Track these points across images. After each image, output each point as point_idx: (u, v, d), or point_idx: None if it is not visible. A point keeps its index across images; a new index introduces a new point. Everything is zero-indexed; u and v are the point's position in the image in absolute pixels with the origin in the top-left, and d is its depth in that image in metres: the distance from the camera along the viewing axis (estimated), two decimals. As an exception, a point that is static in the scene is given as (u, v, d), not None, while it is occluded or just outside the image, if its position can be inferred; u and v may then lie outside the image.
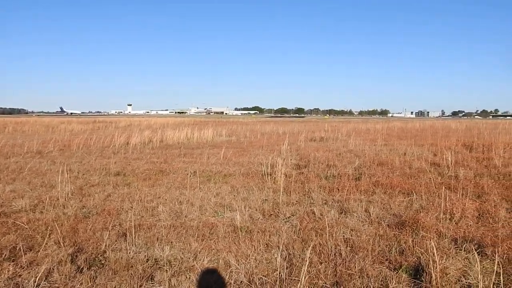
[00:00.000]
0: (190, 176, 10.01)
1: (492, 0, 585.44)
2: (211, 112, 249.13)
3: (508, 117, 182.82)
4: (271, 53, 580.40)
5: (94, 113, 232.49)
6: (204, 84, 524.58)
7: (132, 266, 4.70)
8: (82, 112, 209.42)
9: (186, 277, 4.44)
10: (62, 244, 5.27)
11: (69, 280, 4.39)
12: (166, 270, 4.58)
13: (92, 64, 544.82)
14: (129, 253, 5.07)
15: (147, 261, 4.87)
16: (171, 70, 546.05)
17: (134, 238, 5.53)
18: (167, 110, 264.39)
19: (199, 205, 7.39)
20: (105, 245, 5.29)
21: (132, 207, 7.29)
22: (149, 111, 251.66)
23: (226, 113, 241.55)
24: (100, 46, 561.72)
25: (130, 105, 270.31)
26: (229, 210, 7.10)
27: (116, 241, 5.54)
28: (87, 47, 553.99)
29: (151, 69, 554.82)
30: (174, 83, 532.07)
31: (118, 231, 5.96)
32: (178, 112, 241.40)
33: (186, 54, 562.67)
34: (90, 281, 4.35)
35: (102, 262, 4.85)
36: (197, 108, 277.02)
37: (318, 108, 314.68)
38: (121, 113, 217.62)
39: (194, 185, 9.13)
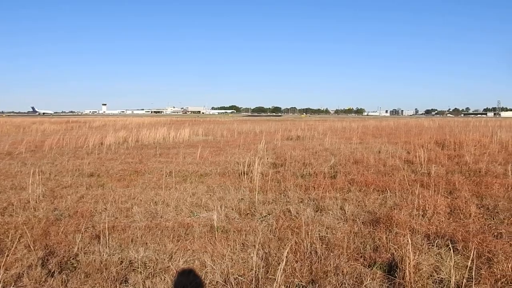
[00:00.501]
0: (166, 176, 9.91)
1: None
2: (188, 112, 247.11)
3: (478, 116, 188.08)
4: (248, 52, 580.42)
5: (67, 113, 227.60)
6: (180, 84, 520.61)
7: (105, 269, 4.61)
8: (55, 112, 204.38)
9: (161, 279, 4.39)
10: (32, 247, 5.13)
11: (39, 284, 4.28)
12: (141, 272, 4.52)
13: (65, 63, 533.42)
14: (103, 255, 4.98)
15: (121, 263, 4.79)
16: (147, 69, 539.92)
17: (108, 240, 5.43)
18: (143, 109, 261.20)
19: (175, 206, 7.32)
20: (78, 248, 5.18)
21: (106, 209, 7.17)
22: (125, 110, 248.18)
23: (203, 112, 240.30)
24: (73, 45, 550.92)
25: (105, 104, 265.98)
26: (205, 210, 7.06)
27: (89, 243, 5.44)
28: (59, 46, 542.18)
29: (126, 68, 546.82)
30: (150, 82, 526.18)
31: (91, 233, 5.84)
32: (154, 112, 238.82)
33: (162, 53, 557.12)
34: (62, 285, 4.25)
35: (74, 265, 4.74)
36: (174, 107, 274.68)
37: (295, 107, 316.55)
38: (95, 113, 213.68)
39: (169, 185, 9.04)
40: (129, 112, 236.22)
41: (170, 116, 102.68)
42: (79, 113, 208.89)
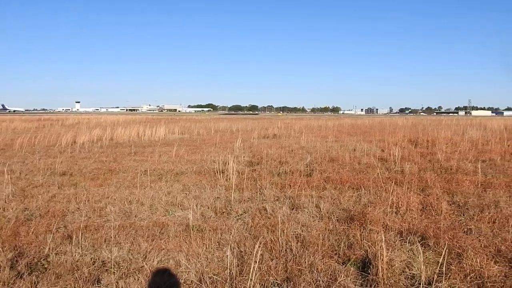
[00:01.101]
0: (141, 175, 9.78)
1: None
2: (164, 110, 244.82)
3: (450, 114, 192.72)
4: (225, 51, 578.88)
5: (39, 110, 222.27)
6: (156, 81, 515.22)
7: (77, 269, 4.51)
8: (26, 110, 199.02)
9: (135, 279, 4.33)
10: (1, 249, 4.98)
11: (7, 286, 4.16)
12: (114, 272, 4.44)
13: (37, 60, 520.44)
14: (75, 256, 4.88)
15: (93, 264, 4.70)
16: (122, 67, 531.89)
17: (80, 240, 5.31)
18: (117, 107, 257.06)
19: (150, 205, 7.23)
20: (49, 249, 5.05)
21: (78, 208, 7.03)
22: (99, 108, 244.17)
23: (179, 111, 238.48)
24: (45, 42, 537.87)
25: (79, 102, 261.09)
26: (181, 209, 7.00)
27: (60, 244, 5.31)
28: (31, 43, 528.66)
29: (100, 66, 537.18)
30: (125, 80, 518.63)
31: (63, 233, 5.71)
32: (130, 110, 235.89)
33: (138, 51, 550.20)
34: (31, 286, 4.14)
35: (45, 266, 4.62)
36: (149, 105, 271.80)
37: (271, 106, 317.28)
38: (68, 111, 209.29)
39: (144, 184, 8.92)
40: (103, 110, 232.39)
41: (145, 114, 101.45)
42: (52, 111, 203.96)
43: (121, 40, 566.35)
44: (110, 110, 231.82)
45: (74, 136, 19.65)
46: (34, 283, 4.22)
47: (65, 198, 7.73)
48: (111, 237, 5.51)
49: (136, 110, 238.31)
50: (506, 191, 8.12)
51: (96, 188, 8.57)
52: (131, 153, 14.83)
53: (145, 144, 18.92)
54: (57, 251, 5.04)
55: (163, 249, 5.13)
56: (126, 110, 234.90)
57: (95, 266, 4.63)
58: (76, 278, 4.31)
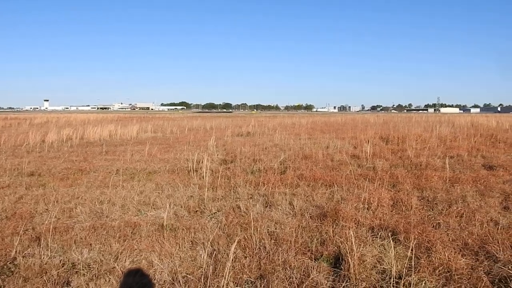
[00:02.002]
0: (113, 174, 9.61)
1: None
2: (136, 108, 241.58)
3: (420, 111, 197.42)
4: (198, 49, 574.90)
5: (5, 109, 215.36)
6: (128, 79, 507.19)
7: (45, 272, 4.39)
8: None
9: (106, 280, 4.24)
10: (-36, 253, 4.80)
11: (-28, 292, 4.01)
12: (84, 274, 4.35)
13: (2, 56, 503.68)
14: (43, 258, 4.74)
15: (63, 266, 4.58)
16: (92, 64, 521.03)
17: (49, 242, 5.18)
18: (88, 106, 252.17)
19: (122, 204, 7.11)
20: (16, 251, 4.90)
21: (47, 209, 6.84)
22: (69, 107, 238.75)
23: (152, 109, 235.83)
24: (12, 38, 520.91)
25: (47, 100, 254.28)
26: (153, 208, 6.91)
27: (28, 246, 5.16)
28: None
29: (70, 63, 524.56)
30: (96, 77, 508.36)
31: (31, 235, 5.55)
32: (101, 108, 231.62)
33: (109, 48, 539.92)
34: (-3, 291, 4.01)
35: (12, 269, 4.48)
36: (121, 103, 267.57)
37: (245, 104, 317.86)
38: (36, 109, 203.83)
39: (116, 183, 8.76)
40: (73, 108, 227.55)
41: (117, 113, 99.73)
42: (19, 110, 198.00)
43: (91, 37, 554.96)
44: (80, 108, 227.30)
45: (43, 135, 19.13)
46: (1, 287, 4.08)
47: (33, 199, 7.51)
48: (81, 238, 5.39)
49: (108, 108, 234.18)
50: (473, 186, 8.37)
51: (65, 189, 8.36)
52: (102, 152, 14.54)
53: (116, 143, 18.60)
54: (25, 253, 4.89)
55: (135, 249, 5.05)
56: (97, 108, 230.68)
57: (64, 268, 4.52)
58: (45, 281, 4.19)
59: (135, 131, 23.90)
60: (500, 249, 4.86)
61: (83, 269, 4.44)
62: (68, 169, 10.71)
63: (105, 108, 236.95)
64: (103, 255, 4.88)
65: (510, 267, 4.37)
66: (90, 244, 5.20)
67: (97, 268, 4.53)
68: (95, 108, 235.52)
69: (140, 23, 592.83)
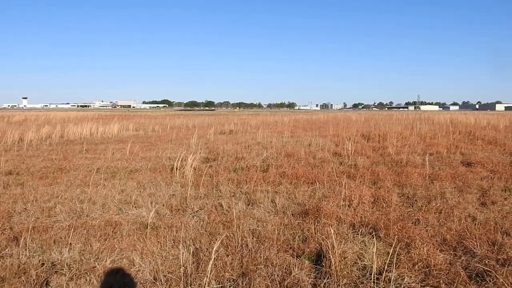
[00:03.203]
0: (93, 173, 9.49)
1: None
2: (118, 106, 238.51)
3: (400, 109, 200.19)
4: (180, 46, 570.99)
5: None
6: (109, 77, 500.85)
7: (24, 273, 4.31)
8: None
9: (86, 280, 4.19)
10: None
11: None
12: (64, 273, 4.29)
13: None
14: (21, 258, 4.66)
15: (42, 266, 4.51)
16: (72, 61, 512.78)
17: (28, 242, 5.08)
18: (68, 103, 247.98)
19: (102, 203, 7.02)
20: (-7, 252, 4.80)
21: (26, 209, 6.72)
22: (48, 104, 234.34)
23: (133, 107, 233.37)
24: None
25: (26, 98, 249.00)
26: (135, 207, 6.86)
27: (6, 246, 5.05)
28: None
29: (49, 60, 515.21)
30: (76, 74, 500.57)
31: (9, 235, 5.44)
32: (81, 106, 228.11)
33: (89, 45, 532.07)
34: (-26, 293, 3.93)
35: (-11, 270, 4.39)
36: (102, 101, 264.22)
37: (228, 101, 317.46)
38: (15, 107, 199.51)
39: (97, 182, 8.65)
40: (53, 106, 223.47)
41: (98, 111, 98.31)
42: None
43: (71, 34, 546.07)
44: (60, 106, 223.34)
45: (21, 134, 18.74)
46: (-23, 288, 4.00)
47: (11, 199, 7.36)
48: (61, 238, 5.31)
49: (88, 106, 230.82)
50: (451, 183, 8.54)
51: (45, 188, 8.22)
52: (82, 151, 14.34)
53: (97, 142, 18.36)
54: (2, 254, 4.80)
55: (116, 248, 5.00)
56: (78, 106, 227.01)
57: (43, 268, 4.44)
58: (23, 281, 4.12)
59: (116, 129, 23.64)
60: (477, 245, 4.97)
61: (63, 269, 4.38)
62: (47, 168, 10.53)
63: (86, 106, 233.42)
64: (83, 254, 4.82)
65: (486, 262, 4.48)
66: (70, 244, 5.13)
67: (77, 267, 4.47)
68: (75, 106, 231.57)
69: (120, 20, 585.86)
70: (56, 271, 4.38)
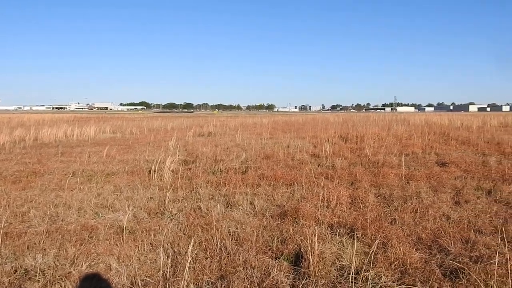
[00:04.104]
0: (69, 176, 9.31)
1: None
2: (94, 108, 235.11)
3: (378, 110, 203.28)
4: (158, 47, 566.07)
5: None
6: (85, 78, 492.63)
7: (-4, 280, 4.20)
8: None
9: (61, 286, 4.10)
10: None
11: None
12: (38, 280, 4.19)
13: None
14: (-7, 265, 4.53)
15: (15, 272, 4.39)
16: (47, 62, 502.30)
17: (0, 248, 4.95)
18: (43, 105, 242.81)
19: (78, 208, 6.89)
20: (-37, 259, 4.65)
21: (-2, 214, 6.53)
22: (22, 106, 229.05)
23: (110, 109, 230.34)
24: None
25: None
26: (112, 211, 6.75)
27: (-23, 253, 4.91)
28: None
29: (23, 60, 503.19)
30: (51, 76, 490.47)
31: (-20, 242, 5.28)
32: (56, 108, 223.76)
33: (65, 45, 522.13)
34: None
35: (-41, 278, 4.25)
36: (78, 103, 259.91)
37: (207, 103, 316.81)
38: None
39: (72, 186, 8.49)
40: (27, 108, 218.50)
41: (74, 113, 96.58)
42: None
43: (47, 34, 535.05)
44: (34, 108, 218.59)
45: (-7, 137, 18.24)
46: None
47: (-18, 204, 7.15)
48: (35, 244, 5.19)
49: (64, 108, 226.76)
50: (426, 183, 8.70)
51: (18, 192, 8.02)
52: (57, 154, 14.04)
53: (73, 144, 18.01)
54: (-27, 261, 4.66)
55: (93, 253, 4.91)
56: (53, 108, 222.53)
57: (16, 275, 4.33)
58: (-5, 289, 4.01)
59: (92, 131, 23.23)
60: (451, 243, 5.08)
61: (36, 275, 4.28)
62: (20, 172, 10.28)
63: (61, 108, 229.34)
64: (58, 260, 4.72)
65: (460, 259, 4.58)
66: (45, 249, 5.02)
67: (52, 273, 4.37)
68: (50, 108, 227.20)
69: (96, 21, 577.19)
70: (29, 278, 4.28)
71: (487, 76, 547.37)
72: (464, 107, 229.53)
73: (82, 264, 4.59)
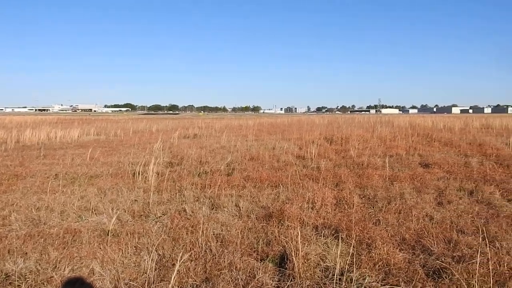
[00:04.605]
0: (51, 179, 9.17)
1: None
2: (78, 110, 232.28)
3: (362, 112, 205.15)
4: (143, 48, 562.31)
5: None
6: (69, 79, 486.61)
7: (-25, 286, 4.11)
8: None
9: (43, 291, 4.04)
10: None
11: None
12: (19, 285, 4.12)
13: None
14: (-27, 270, 4.44)
15: (-5, 278, 4.31)
16: (30, 63, 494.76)
17: (-20, 253, 4.86)
18: (25, 107, 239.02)
19: (61, 211, 6.79)
20: None
21: (-22, 218, 6.40)
22: (3, 108, 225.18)
23: (95, 111, 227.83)
24: None
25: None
26: (95, 214, 6.67)
27: (-44, 258, 4.80)
28: None
29: (4, 61, 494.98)
30: (34, 77, 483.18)
31: (-41, 246, 5.17)
32: (39, 110, 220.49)
33: (48, 46, 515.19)
34: None
35: None
36: (61, 105, 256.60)
37: (192, 105, 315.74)
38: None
39: (55, 189, 8.36)
40: (8, 110, 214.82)
41: (57, 115, 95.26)
42: None
43: (29, 35, 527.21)
44: (16, 110, 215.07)
45: (-26, 139, 17.89)
46: None
47: (-38, 208, 7.00)
48: (16, 248, 5.09)
49: (47, 110, 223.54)
50: (410, 184, 8.80)
51: (-1, 195, 7.87)
52: (40, 156, 13.83)
53: (56, 147, 17.74)
54: (-48, 266, 4.55)
55: (76, 257, 4.84)
56: (35, 110, 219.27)
57: (-4, 281, 4.25)
58: (-26, 295, 3.93)
59: (76, 133, 22.93)
60: (434, 243, 5.15)
61: (17, 280, 4.20)
62: (1, 175, 10.09)
63: (44, 109, 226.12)
64: (40, 264, 4.65)
65: (443, 259, 4.64)
66: (26, 253, 4.93)
67: (34, 278, 4.30)
68: (32, 110, 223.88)
69: (79, 22, 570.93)
70: (10, 283, 4.20)
71: (470, 78, 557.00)
72: (447, 109, 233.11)
73: (64, 268, 4.53)
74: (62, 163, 11.99)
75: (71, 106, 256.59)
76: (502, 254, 4.74)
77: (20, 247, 5.12)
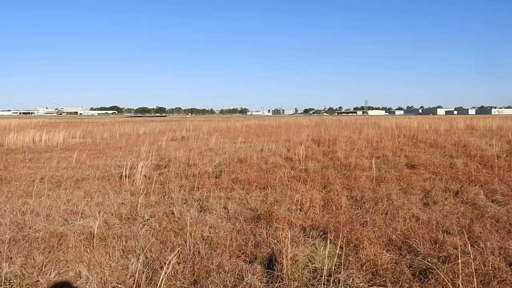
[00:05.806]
0: (36, 183, 9.04)
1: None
2: (64, 113, 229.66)
3: (350, 114, 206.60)
4: (129, 50, 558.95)
5: None
6: (54, 82, 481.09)
7: (-41, 291, 4.04)
8: None
9: (29, 296, 3.99)
10: None
11: None
12: (4, 290, 4.06)
13: None
14: (-44, 276, 4.36)
15: (-21, 283, 4.24)
16: (14, 65, 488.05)
17: (-37, 258, 4.77)
18: (9, 110, 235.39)
19: (46, 214, 6.71)
20: None
21: (-39, 223, 6.29)
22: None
23: (80, 114, 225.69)
24: None
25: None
26: (82, 217, 6.60)
27: None
28: None
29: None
30: (17, 80, 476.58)
31: None
32: (24, 113, 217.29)
33: (32, 48, 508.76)
34: None
35: None
36: (47, 108, 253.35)
37: (180, 107, 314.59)
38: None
39: (40, 192, 8.26)
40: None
41: (42, 118, 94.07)
42: None
43: (13, 37, 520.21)
44: (0, 113, 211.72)
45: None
46: None
47: None
48: (0, 252, 5.02)
49: (32, 113, 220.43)
50: (397, 185, 8.88)
51: (-17, 200, 7.74)
52: (25, 160, 13.65)
53: (41, 150, 17.52)
54: None
55: (62, 260, 4.79)
56: (20, 113, 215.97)
57: (-19, 286, 4.18)
58: (-42, 300, 3.86)
59: (62, 137, 22.64)
60: (420, 243, 5.20)
61: (2, 285, 4.14)
62: (-15, 179, 9.93)
63: (29, 113, 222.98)
64: (25, 268, 4.58)
65: (429, 259, 4.69)
66: (11, 258, 4.86)
67: (19, 282, 4.24)
68: (17, 113, 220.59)
69: (66, 23, 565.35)
70: (-5, 288, 4.14)
71: (455, 80, 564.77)
72: (432, 111, 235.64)
73: (50, 272, 4.48)
74: (47, 167, 11.84)
75: (57, 109, 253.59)
76: (486, 254, 4.82)
77: (5, 251, 5.04)
